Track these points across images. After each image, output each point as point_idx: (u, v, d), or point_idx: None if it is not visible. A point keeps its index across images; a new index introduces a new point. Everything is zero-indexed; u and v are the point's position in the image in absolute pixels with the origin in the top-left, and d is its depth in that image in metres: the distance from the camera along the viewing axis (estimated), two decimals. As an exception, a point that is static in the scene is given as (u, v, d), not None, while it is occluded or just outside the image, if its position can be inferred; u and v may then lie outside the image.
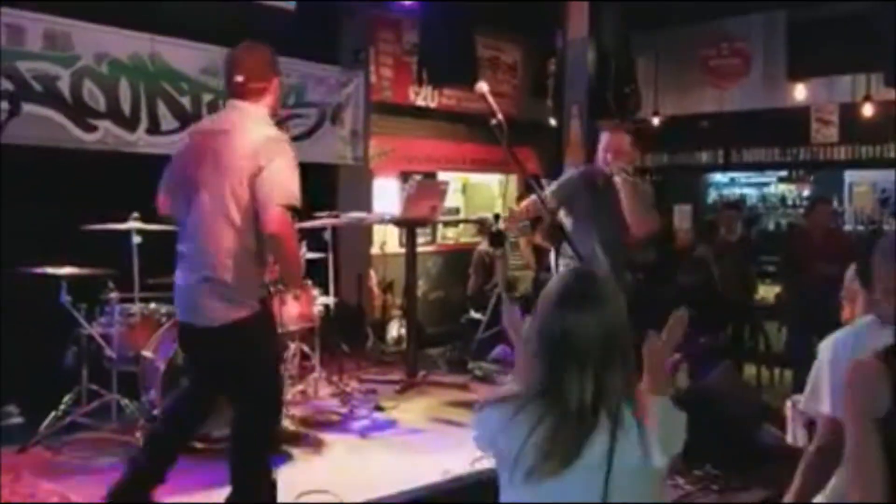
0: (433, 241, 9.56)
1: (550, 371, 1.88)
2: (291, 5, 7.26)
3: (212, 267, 3.45)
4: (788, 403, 3.17)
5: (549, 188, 5.21)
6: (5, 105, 5.50)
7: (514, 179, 10.08)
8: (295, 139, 7.47)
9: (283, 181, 3.41)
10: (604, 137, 5.16)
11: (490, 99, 3.99)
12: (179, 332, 3.94)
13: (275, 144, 3.50)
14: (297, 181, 3.46)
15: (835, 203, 9.75)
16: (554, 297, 1.94)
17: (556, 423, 1.82)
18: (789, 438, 3.20)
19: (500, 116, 3.98)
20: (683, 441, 1.94)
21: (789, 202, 11.91)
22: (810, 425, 2.90)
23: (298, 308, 5.80)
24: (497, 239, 7.43)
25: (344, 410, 5.76)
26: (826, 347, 2.53)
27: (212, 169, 3.50)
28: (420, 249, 7.58)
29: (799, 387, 6.42)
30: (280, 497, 4.04)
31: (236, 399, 3.72)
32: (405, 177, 8.90)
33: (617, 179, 4.89)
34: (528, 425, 1.84)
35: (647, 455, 1.83)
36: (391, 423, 5.56)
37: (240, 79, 3.68)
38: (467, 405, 5.96)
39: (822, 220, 7.27)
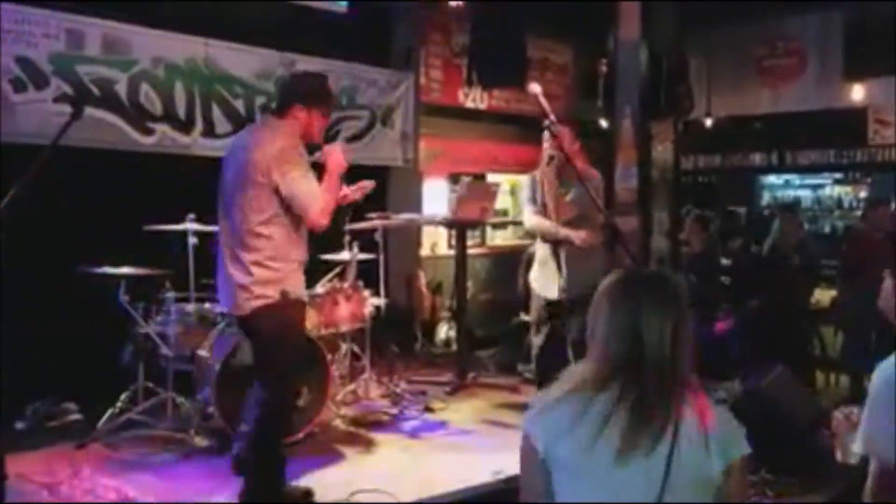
0: (482, 243, 9.55)
1: (615, 368, 1.84)
2: (343, 8, 7.32)
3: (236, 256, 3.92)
4: (838, 415, 2.97)
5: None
6: (67, 108, 5.62)
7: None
8: (347, 141, 7.56)
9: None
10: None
11: (543, 100, 3.98)
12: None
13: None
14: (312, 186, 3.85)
15: (893, 205, 9.54)
16: (619, 293, 1.91)
17: (618, 421, 1.78)
18: (839, 455, 2.95)
19: (552, 117, 3.97)
20: (744, 453, 1.86)
21: (845, 204, 11.69)
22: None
23: (350, 309, 5.84)
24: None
25: (394, 411, 5.79)
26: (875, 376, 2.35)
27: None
28: (469, 251, 7.59)
29: (853, 394, 6.33)
30: (333, 495, 4.09)
31: (257, 380, 4.08)
32: (454, 178, 8.91)
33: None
34: (591, 422, 1.80)
35: (706, 461, 1.79)
36: (441, 424, 5.57)
37: None
38: (517, 407, 5.95)
39: (880, 222, 7.11)
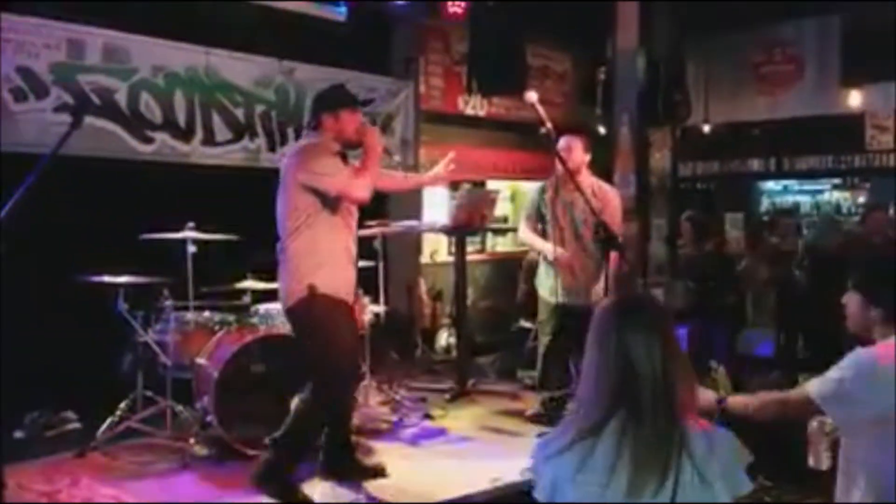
0: (482, 250, 9.56)
1: (611, 407, 1.86)
2: (342, 16, 7.34)
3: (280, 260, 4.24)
4: (813, 423, 3.02)
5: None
6: (66, 118, 5.64)
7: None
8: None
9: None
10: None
11: (539, 108, 4.01)
12: None
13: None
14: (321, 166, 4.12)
15: (891, 210, 9.55)
16: (603, 331, 1.94)
17: (623, 468, 1.79)
18: (811, 461, 3.06)
19: (549, 125, 3.99)
20: (749, 484, 1.89)
21: (844, 210, 11.70)
22: (835, 446, 2.84)
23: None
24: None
25: (394, 418, 5.78)
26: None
27: None
28: (469, 258, 7.59)
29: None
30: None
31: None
32: (455, 185, 8.91)
33: None
34: (595, 471, 1.82)
35: (711, 491, 1.80)
36: (441, 431, 5.57)
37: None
38: (517, 414, 5.96)
39: (878, 227, 7.13)
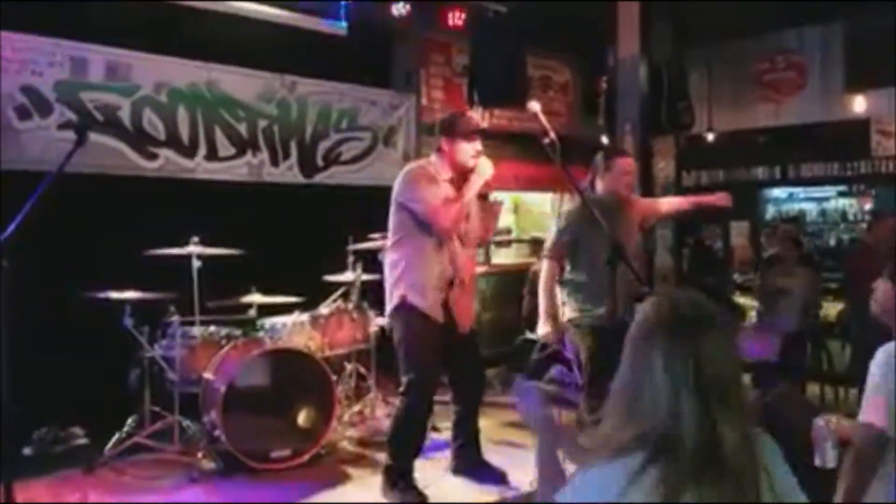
0: (486, 262, 9.55)
1: (675, 413, 1.59)
2: (343, 30, 7.37)
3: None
4: (819, 422, 2.99)
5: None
6: (70, 135, 5.65)
7: (567, 198, 10.02)
8: (349, 162, 7.58)
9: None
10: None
11: (542, 117, 4.00)
12: None
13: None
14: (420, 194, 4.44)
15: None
16: (669, 326, 1.66)
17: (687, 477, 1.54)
18: (817, 461, 3.02)
19: (552, 135, 3.99)
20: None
21: (850, 217, 11.66)
22: (843, 444, 2.82)
23: (355, 329, 5.86)
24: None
25: (401, 431, 5.76)
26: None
27: None
28: (474, 270, 7.57)
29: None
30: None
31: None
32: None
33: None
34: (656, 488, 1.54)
35: None
36: (448, 444, 5.54)
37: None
38: (523, 426, 5.92)
39: (886, 235, 7.07)
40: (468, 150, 4.53)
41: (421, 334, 4.49)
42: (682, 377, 1.59)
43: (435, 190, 4.46)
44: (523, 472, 4.71)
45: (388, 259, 4.63)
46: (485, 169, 4.55)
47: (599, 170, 4.89)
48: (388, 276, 4.62)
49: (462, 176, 4.56)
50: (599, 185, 4.88)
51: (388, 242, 4.64)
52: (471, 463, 4.90)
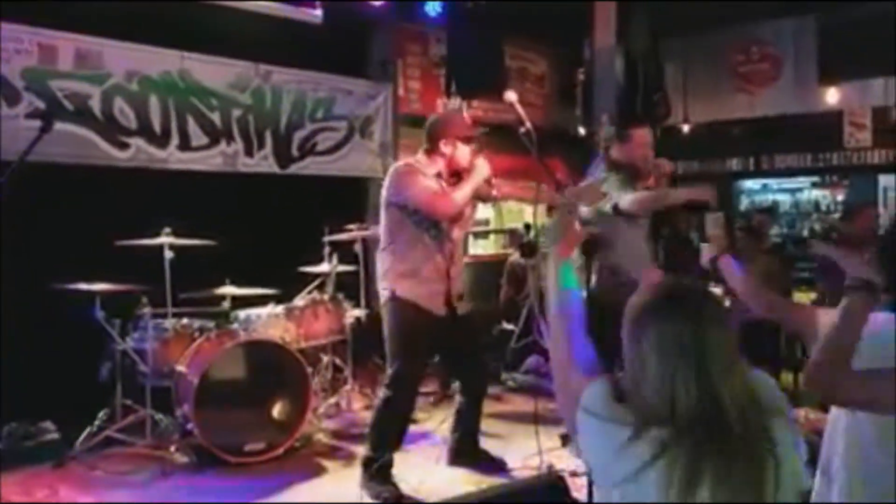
0: (464, 253, 9.52)
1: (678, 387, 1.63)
2: (318, 19, 7.30)
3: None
4: (801, 412, 2.97)
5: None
6: (37, 123, 5.56)
7: (543, 189, 10.01)
8: (325, 152, 7.52)
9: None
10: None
11: (519, 108, 3.99)
12: None
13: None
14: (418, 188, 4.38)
15: (881, 209, 9.58)
16: (671, 309, 1.71)
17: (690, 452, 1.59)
18: None
19: (528, 125, 3.97)
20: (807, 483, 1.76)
21: (823, 208, 11.76)
22: (815, 434, 2.82)
23: (330, 321, 5.82)
24: (528, 250, 7.36)
25: (377, 423, 5.73)
26: None
27: None
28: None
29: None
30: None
31: None
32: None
33: None
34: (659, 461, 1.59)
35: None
36: (425, 435, 5.52)
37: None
38: (501, 416, 5.93)
39: (868, 224, 7.10)
40: (466, 151, 4.56)
41: (411, 326, 4.43)
42: (682, 352, 1.65)
43: (428, 181, 4.45)
44: (511, 462, 4.80)
45: (381, 255, 4.54)
46: (482, 168, 4.58)
47: (613, 140, 4.94)
48: (379, 271, 4.56)
49: (454, 175, 4.55)
50: (616, 154, 4.95)
51: (381, 245, 4.54)
52: (470, 453, 4.86)
